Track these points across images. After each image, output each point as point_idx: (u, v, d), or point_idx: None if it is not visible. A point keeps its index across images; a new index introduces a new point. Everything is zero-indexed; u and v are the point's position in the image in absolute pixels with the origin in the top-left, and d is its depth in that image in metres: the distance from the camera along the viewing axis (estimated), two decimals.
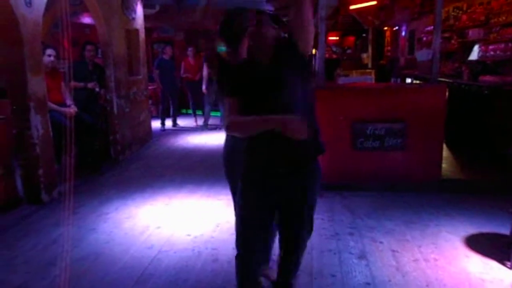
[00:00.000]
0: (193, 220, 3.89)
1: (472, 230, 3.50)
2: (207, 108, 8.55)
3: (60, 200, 4.32)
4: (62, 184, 4.52)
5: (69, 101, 5.09)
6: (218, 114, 9.05)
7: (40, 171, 4.21)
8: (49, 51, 4.83)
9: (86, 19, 8.91)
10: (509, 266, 2.87)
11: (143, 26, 7.32)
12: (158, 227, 3.72)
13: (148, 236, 3.53)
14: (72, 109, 4.91)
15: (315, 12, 4.47)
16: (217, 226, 3.70)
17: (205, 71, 8.15)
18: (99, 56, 6.46)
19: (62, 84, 5.17)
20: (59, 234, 3.56)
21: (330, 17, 9.44)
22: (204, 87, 8.23)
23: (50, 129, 4.40)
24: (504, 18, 5.78)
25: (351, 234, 3.49)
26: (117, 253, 3.23)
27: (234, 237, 3.27)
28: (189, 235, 3.54)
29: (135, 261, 3.10)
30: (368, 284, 2.74)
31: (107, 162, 5.85)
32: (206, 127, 8.60)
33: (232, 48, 2.37)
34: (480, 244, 3.24)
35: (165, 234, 3.58)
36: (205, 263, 3.05)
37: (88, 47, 5.77)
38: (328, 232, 3.53)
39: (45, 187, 4.27)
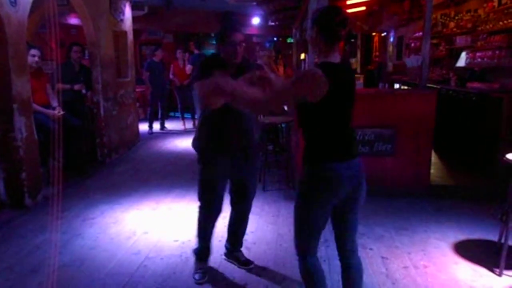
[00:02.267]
0: (180, 225, 3.82)
1: (461, 236, 3.51)
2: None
3: (45, 204, 4.22)
4: (46, 188, 4.42)
5: (55, 103, 4.99)
6: None
7: (24, 175, 4.11)
8: (33, 51, 4.72)
9: (73, 20, 8.81)
10: (498, 273, 2.88)
11: (131, 28, 7.24)
12: (145, 233, 3.65)
13: (134, 242, 3.46)
14: (58, 111, 4.81)
15: (306, 17, 4.46)
16: None
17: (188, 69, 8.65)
18: (86, 57, 6.36)
19: (48, 85, 5.07)
20: (43, 239, 3.47)
21: None
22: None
23: (35, 131, 4.30)
24: (491, 26, 5.84)
25: None
26: (103, 259, 3.16)
27: (221, 243, 3.24)
28: (176, 240, 3.48)
29: (122, 267, 3.03)
30: None
31: (93, 165, 5.76)
32: None
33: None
34: (469, 250, 3.25)
35: (152, 239, 3.51)
36: (193, 269, 2.99)
37: (75, 48, 5.67)
38: None
39: (28, 191, 4.17)
